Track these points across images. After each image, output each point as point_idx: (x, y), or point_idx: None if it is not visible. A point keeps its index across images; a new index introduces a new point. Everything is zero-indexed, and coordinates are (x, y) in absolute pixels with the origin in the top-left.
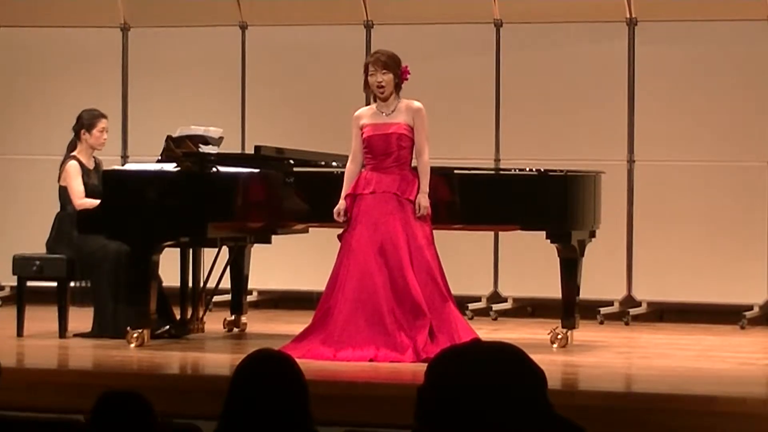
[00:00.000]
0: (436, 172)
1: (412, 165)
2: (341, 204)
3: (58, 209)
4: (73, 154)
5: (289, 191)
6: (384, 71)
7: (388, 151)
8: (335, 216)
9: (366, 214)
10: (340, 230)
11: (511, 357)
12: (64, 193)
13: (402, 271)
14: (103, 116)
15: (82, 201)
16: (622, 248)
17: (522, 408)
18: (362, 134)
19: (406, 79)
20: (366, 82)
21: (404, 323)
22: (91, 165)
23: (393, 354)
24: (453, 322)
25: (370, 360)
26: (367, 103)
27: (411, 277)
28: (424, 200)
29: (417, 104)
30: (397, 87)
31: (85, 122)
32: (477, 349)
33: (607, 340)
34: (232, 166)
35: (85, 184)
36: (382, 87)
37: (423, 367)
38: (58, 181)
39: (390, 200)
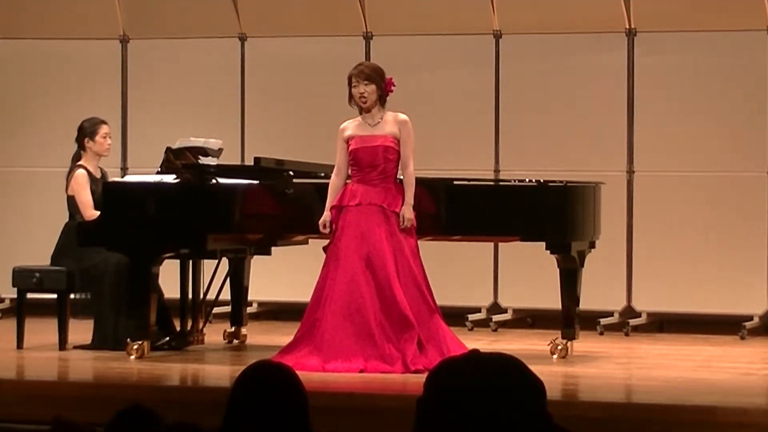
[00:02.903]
0: (435, 183)
1: (398, 177)
2: (326, 215)
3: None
4: (80, 163)
5: (289, 202)
6: (366, 82)
7: (374, 163)
8: (320, 228)
9: (352, 226)
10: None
11: (511, 368)
12: (72, 203)
13: (389, 284)
14: (104, 122)
15: (93, 212)
16: (622, 259)
17: (521, 419)
18: (348, 147)
19: (391, 91)
20: (350, 95)
21: (392, 335)
22: (98, 174)
23: (382, 365)
24: (441, 334)
25: (360, 371)
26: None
27: (398, 290)
28: (408, 212)
29: (403, 116)
30: (382, 99)
31: (87, 130)
32: (476, 361)
33: (607, 350)
34: (231, 177)
35: (92, 192)
36: (365, 98)
37: (412, 378)
38: (66, 190)
39: (375, 212)
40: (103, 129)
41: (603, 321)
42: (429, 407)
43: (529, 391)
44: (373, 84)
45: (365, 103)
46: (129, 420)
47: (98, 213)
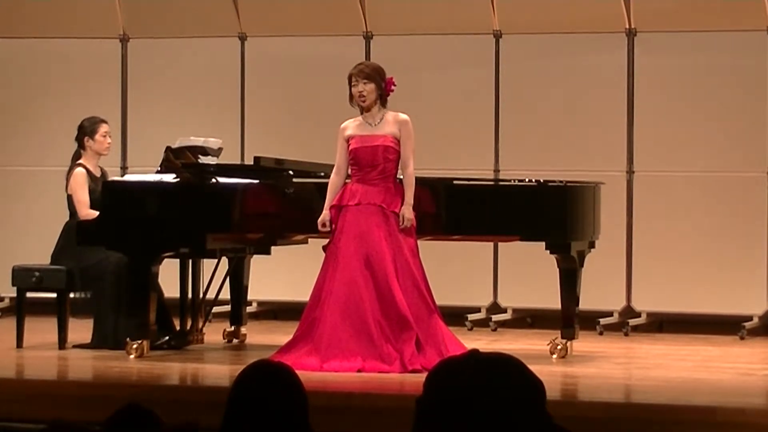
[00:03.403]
0: (435, 183)
1: (398, 177)
2: (325, 214)
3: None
4: (80, 162)
5: (289, 202)
6: (366, 81)
7: (374, 163)
8: (319, 226)
9: (351, 226)
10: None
11: (510, 368)
12: (72, 202)
13: (388, 284)
14: (104, 121)
15: (88, 212)
16: (622, 259)
17: (521, 419)
18: (349, 146)
19: (391, 91)
20: (351, 94)
21: (391, 335)
22: (97, 173)
23: (380, 365)
24: (440, 334)
25: (358, 371)
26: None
27: (397, 290)
28: (408, 212)
29: (403, 116)
30: (382, 98)
31: (87, 129)
32: (476, 361)
33: (607, 350)
34: (231, 177)
35: (92, 191)
36: (364, 97)
37: (410, 377)
38: (66, 189)
39: (375, 212)
40: (103, 128)
41: (602, 321)
42: (428, 407)
43: (529, 391)
44: (373, 83)
45: (364, 102)
46: (128, 419)
47: (94, 212)
